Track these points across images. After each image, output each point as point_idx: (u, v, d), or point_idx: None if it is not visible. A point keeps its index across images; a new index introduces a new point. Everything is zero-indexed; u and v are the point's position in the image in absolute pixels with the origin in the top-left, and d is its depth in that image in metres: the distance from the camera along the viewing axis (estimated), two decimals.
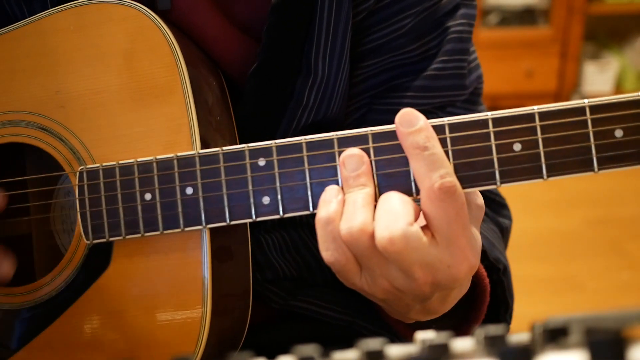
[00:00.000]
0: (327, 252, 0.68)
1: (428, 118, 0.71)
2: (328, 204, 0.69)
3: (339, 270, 0.69)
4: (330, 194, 0.69)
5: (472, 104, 0.92)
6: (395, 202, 0.67)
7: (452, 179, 0.67)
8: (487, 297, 0.81)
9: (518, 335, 0.38)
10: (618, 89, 3.76)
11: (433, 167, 0.67)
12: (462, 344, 0.38)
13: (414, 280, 0.67)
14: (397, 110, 0.89)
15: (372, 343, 0.39)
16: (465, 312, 0.81)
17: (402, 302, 0.71)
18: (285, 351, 0.41)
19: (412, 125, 0.68)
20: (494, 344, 0.37)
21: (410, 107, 0.88)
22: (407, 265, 0.66)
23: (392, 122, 0.71)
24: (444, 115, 0.87)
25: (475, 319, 0.81)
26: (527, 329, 0.38)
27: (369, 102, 0.91)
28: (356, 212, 0.67)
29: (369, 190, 0.69)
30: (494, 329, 0.38)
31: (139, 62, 0.78)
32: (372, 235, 0.66)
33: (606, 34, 3.86)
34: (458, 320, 0.82)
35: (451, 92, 0.90)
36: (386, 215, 0.66)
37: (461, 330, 0.81)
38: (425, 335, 0.39)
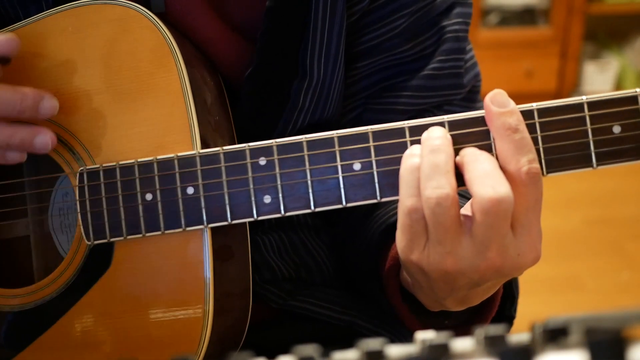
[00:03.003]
0: (411, 198, 0.66)
1: (426, 117, 0.71)
2: (411, 156, 0.68)
3: (411, 225, 0.67)
4: (416, 148, 0.68)
5: (470, 102, 0.92)
6: (490, 164, 0.66)
7: (539, 166, 0.66)
8: (501, 291, 0.80)
9: (518, 335, 0.38)
10: (618, 89, 3.75)
11: (522, 151, 0.66)
12: (462, 344, 0.38)
13: (484, 259, 0.66)
14: (394, 110, 0.89)
15: (372, 343, 0.39)
16: (479, 307, 0.80)
17: (451, 285, 0.69)
18: (285, 351, 0.41)
19: (504, 106, 0.68)
20: (494, 344, 0.37)
21: (408, 106, 0.89)
22: (487, 240, 0.65)
23: (389, 122, 0.72)
24: (442, 114, 0.88)
25: (489, 313, 0.80)
26: (527, 329, 0.39)
27: (364, 102, 0.91)
28: (443, 175, 0.65)
29: (450, 154, 0.67)
30: (494, 329, 0.38)
31: (138, 63, 0.78)
32: (458, 204, 0.65)
33: (606, 34, 3.85)
34: (471, 315, 0.81)
35: (448, 92, 0.90)
36: (487, 176, 0.65)
37: (470, 325, 0.81)
38: (425, 335, 0.39)
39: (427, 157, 0.66)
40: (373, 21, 0.88)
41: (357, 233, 0.89)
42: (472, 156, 0.67)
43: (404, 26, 0.88)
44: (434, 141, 0.67)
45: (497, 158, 0.68)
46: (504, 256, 0.66)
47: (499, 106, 0.68)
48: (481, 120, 0.70)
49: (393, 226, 0.79)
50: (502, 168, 0.66)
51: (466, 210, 0.68)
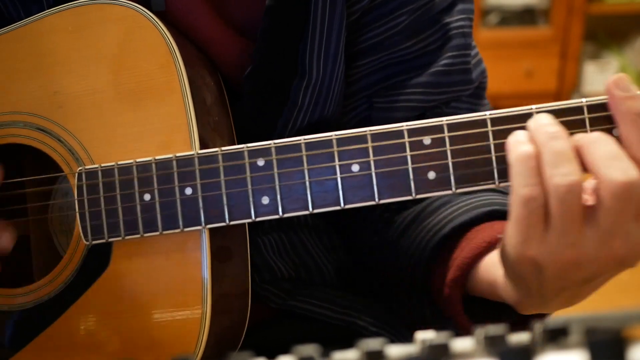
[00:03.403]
0: (528, 187, 0.64)
1: (433, 114, 0.71)
2: (521, 143, 0.66)
3: (527, 216, 0.64)
4: (521, 134, 0.66)
5: (476, 99, 0.92)
6: (614, 146, 0.64)
7: None
8: None
9: (518, 335, 0.38)
10: None
11: None
12: (462, 344, 0.38)
13: (608, 249, 0.64)
14: (404, 107, 0.89)
15: (372, 343, 0.39)
16: None
17: (564, 281, 0.67)
18: (285, 351, 0.41)
19: (627, 90, 0.66)
20: (494, 344, 0.37)
21: (419, 103, 0.89)
22: (615, 227, 0.63)
23: (399, 121, 0.71)
24: (449, 110, 0.88)
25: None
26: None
27: (367, 101, 0.91)
28: (569, 161, 0.63)
29: (569, 140, 0.65)
30: (494, 329, 0.38)
31: (137, 62, 0.78)
32: (582, 191, 0.63)
33: (606, 34, 3.85)
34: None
35: (458, 87, 0.90)
36: (615, 158, 0.63)
37: (525, 322, 0.78)
38: (425, 335, 0.39)
39: (548, 144, 0.64)
40: (374, 19, 0.88)
41: (397, 243, 0.87)
42: (590, 139, 0.65)
43: (404, 24, 0.88)
44: (549, 128, 0.65)
45: (621, 144, 0.65)
46: (628, 245, 0.64)
47: (625, 90, 0.66)
48: (480, 122, 0.70)
49: (446, 238, 0.80)
50: (630, 153, 0.64)
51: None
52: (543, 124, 0.66)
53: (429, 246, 0.82)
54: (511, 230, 0.66)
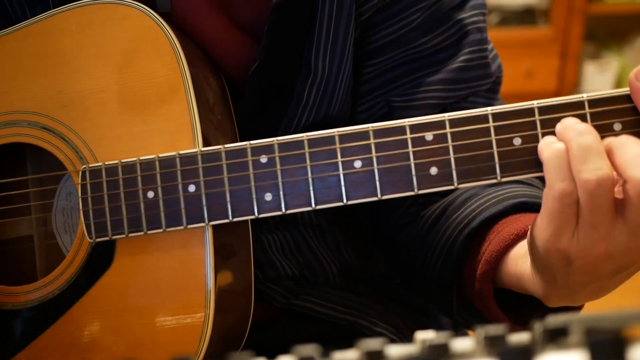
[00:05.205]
0: (563, 182, 0.64)
1: (451, 109, 0.71)
2: (553, 142, 0.66)
3: (561, 211, 0.65)
4: (550, 136, 0.67)
5: (492, 93, 0.93)
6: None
7: None
8: None
9: (518, 335, 0.38)
10: (618, 89, 3.75)
11: None
12: (462, 344, 0.38)
13: (637, 242, 0.64)
14: (426, 105, 0.89)
15: (372, 343, 0.39)
16: None
17: (592, 274, 0.67)
18: (286, 351, 0.41)
19: None
20: (494, 344, 0.38)
21: (440, 100, 0.89)
22: None
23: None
24: (467, 105, 0.88)
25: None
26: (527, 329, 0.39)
27: (384, 99, 0.91)
28: (598, 156, 0.63)
29: (598, 136, 0.65)
30: (494, 329, 0.38)
31: (141, 62, 0.78)
32: (614, 185, 0.63)
33: (606, 34, 3.85)
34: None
35: (478, 82, 0.91)
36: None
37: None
38: (425, 335, 0.39)
39: (576, 139, 0.65)
40: (386, 18, 0.88)
41: (426, 238, 0.87)
42: (619, 141, 0.65)
43: (418, 21, 0.88)
44: (576, 126, 0.66)
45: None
46: None
47: None
48: (481, 118, 0.70)
49: (475, 231, 0.80)
50: None
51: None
52: (570, 123, 0.67)
53: (459, 240, 0.82)
54: (543, 224, 0.66)
